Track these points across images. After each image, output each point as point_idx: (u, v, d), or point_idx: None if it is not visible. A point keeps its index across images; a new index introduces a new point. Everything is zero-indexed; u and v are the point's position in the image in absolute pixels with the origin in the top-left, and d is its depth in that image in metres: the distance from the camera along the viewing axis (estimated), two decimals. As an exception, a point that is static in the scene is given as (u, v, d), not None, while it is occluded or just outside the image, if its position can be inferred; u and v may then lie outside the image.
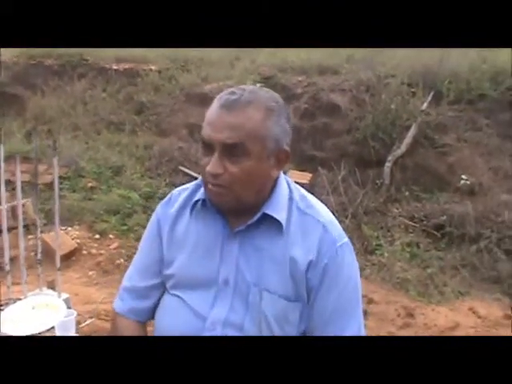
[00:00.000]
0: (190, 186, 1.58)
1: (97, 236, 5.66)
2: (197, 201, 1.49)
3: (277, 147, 1.38)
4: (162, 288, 1.57)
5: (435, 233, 5.74)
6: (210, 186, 1.36)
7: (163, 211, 1.58)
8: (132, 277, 1.62)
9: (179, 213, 1.54)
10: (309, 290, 1.41)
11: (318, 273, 1.40)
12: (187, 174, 6.75)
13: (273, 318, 1.40)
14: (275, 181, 1.46)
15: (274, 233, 1.42)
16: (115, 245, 5.49)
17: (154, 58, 9.21)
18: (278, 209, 1.42)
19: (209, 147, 1.34)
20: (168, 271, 1.52)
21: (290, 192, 1.49)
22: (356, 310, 1.47)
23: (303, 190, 1.54)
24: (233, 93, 1.36)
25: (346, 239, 1.47)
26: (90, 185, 6.57)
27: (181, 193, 1.58)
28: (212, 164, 1.32)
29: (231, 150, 1.31)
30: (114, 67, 9.05)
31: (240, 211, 1.41)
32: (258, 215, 1.41)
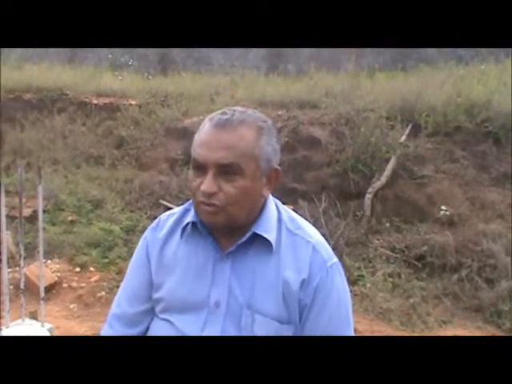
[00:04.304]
0: (178, 210, 1.57)
1: (77, 269, 5.60)
2: (187, 224, 1.48)
3: (268, 166, 1.39)
4: (151, 314, 1.54)
5: (416, 263, 5.79)
6: (203, 206, 1.35)
7: (152, 235, 1.56)
8: (121, 303, 1.59)
9: (168, 236, 1.52)
10: (300, 310, 1.40)
11: (310, 293, 1.39)
12: (168, 208, 6.73)
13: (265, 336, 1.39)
14: (264, 201, 1.46)
15: (265, 253, 1.41)
16: (96, 278, 5.42)
17: (133, 93, 9.27)
18: (267, 229, 1.41)
19: (202, 168, 1.34)
20: (157, 295, 1.50)
21: (279, 213, 1.49)
22: (347, 330, 1.46)
23: (292, 212, 1.54)
24: (224, 113, 1.36)
25: (336, 259, 1.47)
26: (70, 218, 6.52)
27: (169, 217, 1.57)
28: (206, 183, 1.32)
29: (226, 170, 1.31)
30: (94, 102, 9.09)
31: (231, 231, 1.40)
32: (248, 235, 1.40)
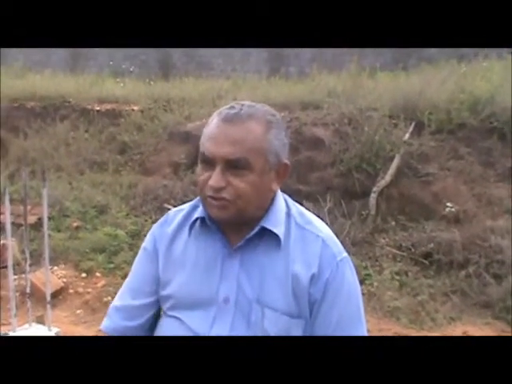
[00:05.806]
0: (186, 206, 1.56)
1: (83, 275, 5.62)
2: (196, 219, 1.47)
3: (277, 160, 1.38)
4: (152, 309, 1.53)
5: (423, 261, 5.76)
6: (210, 200, 1.34)
7: (160, 231, 1.55)
8: (123, 296, 1.58)
9: (176, 232, 1.51)
10: (311, 305, 1.39)
11: (320, 288, 1.38)
12: (173, 212, 6.72)
13: (275, 335, 1.37)
14: (273, 196, 1.45)
15: (274, 248, 1.40)
16: (102, 283, 5.44)
17: (135, 99, 9.28)
18: (275, 223, 1.40)
19: (210, 162, 1.33)
20: (165, 292, 1.48)
21: (288, 208, 1.48)
22: (359, 324, 1.44)
23: (301, 207, 1.53)
24: (232, 107, 1.35)
25: (346, 254, 1.46)
26: (74, 224, 6.53)
27: (177, 213, 1.56)
28: (214, 178, 1.31)
29: (234, 165, 1.30)
30: (96, 108, 9.11)
31: (240, 226, 1.39)
32: (256, 229, 1.39)
